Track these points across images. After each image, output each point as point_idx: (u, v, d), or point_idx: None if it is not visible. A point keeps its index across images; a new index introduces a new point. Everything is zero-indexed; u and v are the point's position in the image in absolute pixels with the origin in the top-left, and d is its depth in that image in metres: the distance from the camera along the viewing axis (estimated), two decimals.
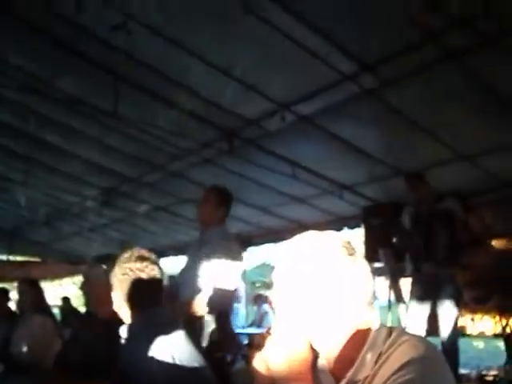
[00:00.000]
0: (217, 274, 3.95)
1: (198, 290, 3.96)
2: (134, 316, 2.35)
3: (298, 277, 1.46)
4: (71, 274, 16.31)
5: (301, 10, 3.95)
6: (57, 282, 18.07)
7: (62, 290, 17.28)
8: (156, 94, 5.42)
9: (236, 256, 4.16)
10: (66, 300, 12.53)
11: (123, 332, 2.39)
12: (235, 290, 4.22)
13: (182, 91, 5.23)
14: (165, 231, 10.39)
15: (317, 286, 1.44)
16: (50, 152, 7.57)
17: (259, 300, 11.19)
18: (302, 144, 5.89)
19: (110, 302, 2.51)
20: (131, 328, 2.34)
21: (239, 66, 4.74)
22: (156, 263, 2.47)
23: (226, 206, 4.36)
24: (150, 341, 2.20)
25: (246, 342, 7.61)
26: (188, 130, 5.89)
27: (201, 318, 3.98)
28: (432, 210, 5.58)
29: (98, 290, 3.02)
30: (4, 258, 13.30)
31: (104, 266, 2.85)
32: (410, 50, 4.11)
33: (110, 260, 2.75)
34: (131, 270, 2.36)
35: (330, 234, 1.56)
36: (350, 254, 1.47)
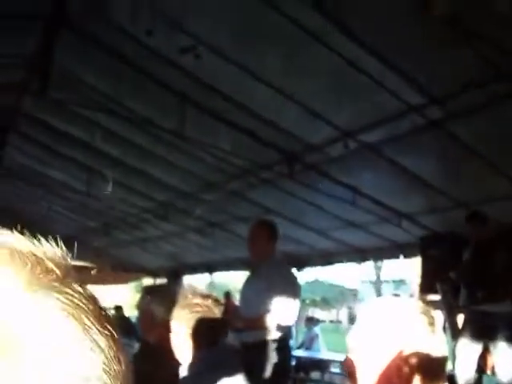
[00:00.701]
0: (277, 306, 4.03)
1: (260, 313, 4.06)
2: (195, 354, 2.36)
3: (377, 344, 1.46)
4: (124, 281, 16.65)
5: (370, 41, 3.94)
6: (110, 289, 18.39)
7: (115, 298, 17.58)
8: (221, 116, 5.50)
9: (294, 287, 4.25)
10: (118, 309, 12.75)
11: (183, 367, 2.40)
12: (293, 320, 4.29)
13: (246, 114, 5.30)
14: (218, 247, 10.48)
15: (392, 352, 1.43)
16: (113, 165, 7.76)
17: (310, 322, 11.13)
18: (364, 171, 5.88)
19: (163, 329, 2.54)
20: (193, 366, 2.35)
21: (305, 91, 4.78)
22: (218, 301, 2.49)
23: (276, 239, 4.48)
24: (213, 379, 2.21)
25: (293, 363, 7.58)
26: (250, 152, 5.95)
27: (262, 344, 4.05)
28: (493, 244, 5.45)
29: (153, 317, 3.03)
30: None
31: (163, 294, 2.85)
32: (479, 85, 4.05)
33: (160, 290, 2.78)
34: (201, 307, 2.38)
35: (410, 301, 1.55)
36: (430, 324, 1.46)
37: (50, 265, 0.44)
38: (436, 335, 1.47)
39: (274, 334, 4.08)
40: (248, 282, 4.49)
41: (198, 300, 2.41)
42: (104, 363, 0.42)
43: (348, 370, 1.53)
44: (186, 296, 2.45)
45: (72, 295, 0.43)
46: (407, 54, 4.00)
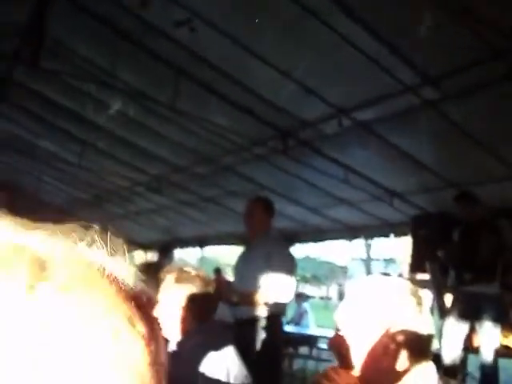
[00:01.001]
0: (273, 282, 4.06)
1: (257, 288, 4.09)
2: (187, 329, 2.38)
3: (365, 321, 1.47)
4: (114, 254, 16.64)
5: (367, 19, 3.92)
6: None
7: None
8: (215, 90, 5.48)
9: (291, 263, 4.28)
10: None
11: (174, 343, 2.42)
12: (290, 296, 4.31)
13: (240, 89, 5.27)
14: (210, 221, 10.50)
15: (380, 329, 1.45)
16: (105, 137, 7.74)
17: (299, 298, 11.19)
18: (357, 149, 5.87)
19: None
20: (188, 340, 2.36)
21: (300, 68, 4.75)
22: (206, 277, 2.50)
23: (272, 216, 4.55)
24: (204, 355, 2.23)
25: None
26: (244, 127, 5.94)
27: (256, 320, 4.08)
28: (481, 226, 5.48)
29: None
30: None
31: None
32: (474, 66, 4.04)
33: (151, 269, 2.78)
34: (190, 282, 2.39)
35: (399, 280, 1.56)
36: (418, 304, 1.48)
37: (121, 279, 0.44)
38: (423, 314, 1.48)
39: (269, 311, 4.11)
40: (243, 257, 4.52)
41: (187, 275, 2.42)
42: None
43: (334, 346, 1.54)
44: (176, 271, 2.46)
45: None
46: (404, 34, 3.97)
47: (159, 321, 0.45)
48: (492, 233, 5.45)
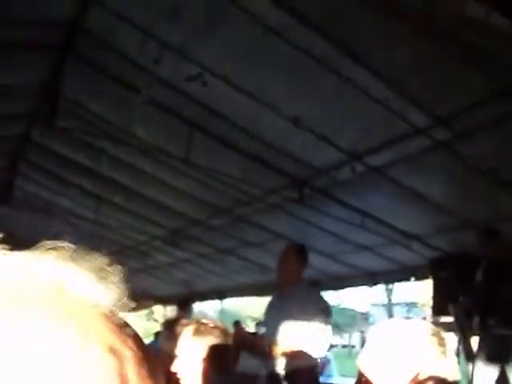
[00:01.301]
0: (306, 334, 3.95)
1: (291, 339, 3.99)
2: (208, 381, 2.35)
3: (391, 366, 1.45)
4: (134, 309, 16.57)
5: (375, 63, 3.97)
6: None
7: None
8: (228, 142, 5.54)
9: (326, 313, 4.16)
10: None
11: None
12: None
13: (253, 139, 5.33)
14: (228, 273, 10.45)
15: (406, 375, 1.42)
16: (121, 192, 7.82)
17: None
18: (372, 194, 5.86)
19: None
20: None
21: (311, 116, 4.80)
22: (225, 329, 2.48)
23: (305, 264, 4.43)
24: None
25: None
26: (257, 177, 5.97)
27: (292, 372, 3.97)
28: (505, 267, 5.38)
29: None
30: None
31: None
32: (483, 105, 4.05)
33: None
34: (216, 338, 2.37)
35: (421, 322, 1.54)
36: (441, 345, 1.45)
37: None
38: (447, 357, 1.45)
39: (304, 363, 4.00)
40: (275, 306, 4.39)
41: (205, 327, 2.40)
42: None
43: None
44: (194, 324, 2.44)
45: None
46: (412, 75, 4.01)
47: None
48: None
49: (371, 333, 1.56)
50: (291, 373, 3.98)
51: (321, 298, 4.36)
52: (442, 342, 1.46)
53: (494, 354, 5.26)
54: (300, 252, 4.45)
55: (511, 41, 2.44)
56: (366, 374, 1.49)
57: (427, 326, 1.52)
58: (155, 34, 4.30)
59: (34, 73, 5.25)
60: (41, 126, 5.99)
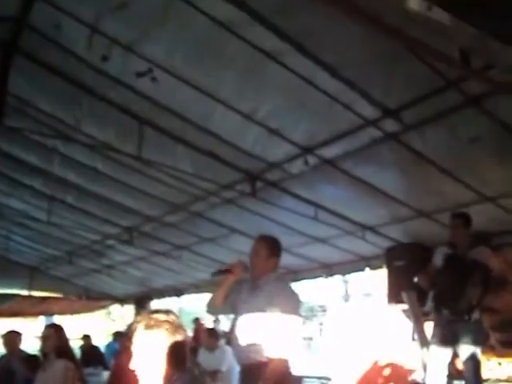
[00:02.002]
0: (277, 326, 3.94)
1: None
2: (167, 377, 2.34)
3: (350, 355, 1.47)
4: (91, 310, 16.38)
5: (324, 58, 4.00)
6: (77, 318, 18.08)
7: (83, 327, 17.28)
8: (180, 138, 5.52)
9: (294, 305, 4.15)
10: (86, 338, 12.51)
11: None
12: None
13: (205, 135, 5.31)
14: (185, 269, 10.41)
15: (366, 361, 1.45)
16: (73, 192, 7.71)
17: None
18: (325, 186, 5.92)
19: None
20: None
21: (262, 110, 4.81)
22: (179, 323, 2.47)
23: (277, 256, 4.35)
24: None
25: None
26: (210, 173, 5.96)
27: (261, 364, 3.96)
28: (466, 255, 5.49)
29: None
30: (25, 293, 13.38)
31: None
32: (431, 96, 4.14)
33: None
34: (167, 330, 2.36)
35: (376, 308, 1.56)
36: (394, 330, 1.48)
37: None
38: (404, 344, 1.48)
39: (275, 354, 3.98)
40: (248, 297, 4.32)
41: (156, 321, 2.38)
42: None
43: None
44: (145, 318, 2.42)
45: None
46: (360, 69, 4.06)
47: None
48: (480, 270, 5.44)
49: (328, 321, 1.58)
50: (263, 365, 3.96)
51: (291, 291, 4.32)
52: (397, 327, 1.48)
53: (447, 336, 5.38)
54: (269, 243, 4.35)
55: (451, 35, 2.49)
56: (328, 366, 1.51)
57: (382, 311, 1.54)
58: (103, 30, 4.24)
59: None
60: None
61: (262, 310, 3.98)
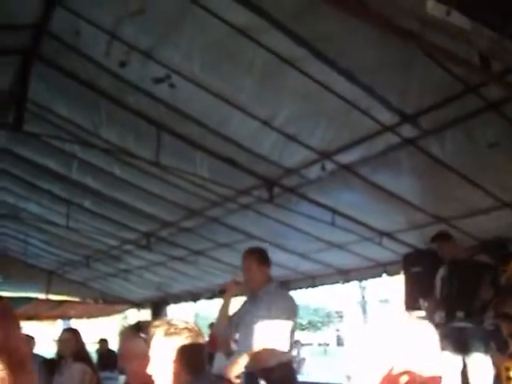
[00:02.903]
0: (273, 333, 4.03)
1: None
2: (183, 382, 2.35)
3: (371, 363, 1.47)
4: (108, 314, 16.47)
5: (342, 63, 4.00)
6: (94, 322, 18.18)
7: (100, 330, 17.38)
8: (197, 144, 5.54)
9: (290, 313, 4.24)
10: (103, 342, 12.58)
11: None
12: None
13: (222, 141, 5.33)
14: (202, 275, 10.42)
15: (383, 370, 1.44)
16: (91, 197, 7.77)
17: (295, 345, 11.06)
18: (342, 192, 5.91)
19: (144, 372, 2.52)
20: None
21: (280, 116, 4.82)
22: (197, 330, 2.48)
23: (267, 264, 4.44)
24: None
25: None
26: (228, 178, 5.97)
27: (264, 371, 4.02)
28: (468, 261, 5.50)
29: (133, 362, 2.99)
30: (43, 296, 13.48)
31: (142, 335, 2.80)
32: (449, 102, 4.12)
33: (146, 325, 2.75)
34: (187, 338, 2.37)
35: (394, 319, 1.56)
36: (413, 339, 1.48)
37: None
38: (426, 351, 1.47)
39: (276, 362, 4.06)
40: (246, 308, 4.45)
41: (176, 328, 2.39)
42: None
43: None
44: (164, 324, 2.43)
45: None
46: (378, 75, 4.05)
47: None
48: (477, 270, 5.44)
49: (350, 335, 1.58)
50: (264, 371, 4.04)
51: (288, 297, 4.44)
52: (415, 338, 1.48)
53: (456, 346, 5.35)
54: (259, 256, 4.46)
55: (471, 40, 2.48)
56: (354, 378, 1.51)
57: (401, 321, 1.54)
58: (121, 36, 4.27)
59: (1, 78, 5.17)
60: (7, 132, 5.91)
61: (263, 318, 4.08)
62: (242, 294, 4.70)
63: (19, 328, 0.53)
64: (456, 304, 5.43)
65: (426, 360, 1.48)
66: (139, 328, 2.92)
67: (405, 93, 4.24)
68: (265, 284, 4.35)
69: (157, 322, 2.52)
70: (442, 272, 5.64)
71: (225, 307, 4.46)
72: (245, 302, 4.55)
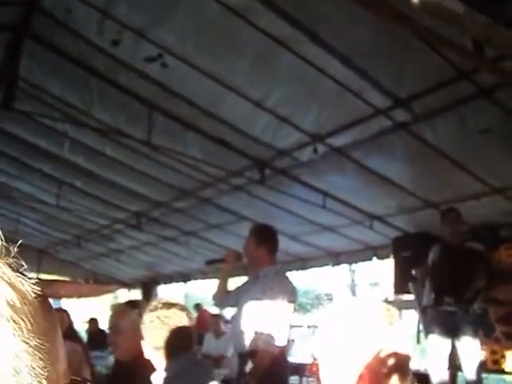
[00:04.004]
0: (270, 316, 3.99)
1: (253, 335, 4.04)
2: (165, 364, 2.36)
3: (340, 342, 1.47)
4: (98, 294, 16.49)
5: (336, 46, 3.98)
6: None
7: (90, 310, 17.40)
8: (189, 124, 5.52)
9: (289, 297, 4.19)
10: (93, 321, 12.60)
11: (156, 379, 2.40)
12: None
13: (215, 121, 5.31)
14: (193, 255, 10.44)
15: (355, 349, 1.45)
16: (83, 176, 7.74)
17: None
18: (334, 175, 5.91)
19: (136, 347, 2.54)
20: (163, 376, 2.35)
21: (273, 98, 4.81)
22: (184, 309, 2.48)
23: (266, 244, 4.27)
24: None
25: None
26: (220, 159, 5.96)
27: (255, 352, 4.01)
28: (462, 247, 5.48)
29: (125, 336, 3.03)
30: (33, 276, 13.46)
31: (135, 311, 2.84)
32: (442, 87, 4.12)
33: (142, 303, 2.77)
34: (159, 318, 2.37)
35: (372, 301, 1.57)
36: (391, 322, 1.48)
37: None
38: (398, 333, 1.48)
39: (272, 344, 4.04)
40: (246, 288, 4.37)
41: (158, 312, 2.40)
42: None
43: (315, 374, 1.54)
44: (154, 307, 2.44)
45: None
46: (372, 58, 4.04)
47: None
48: (471, 256, 5.44)
49: (322, 317, 1.58)
50: (257, 353, 4.03)
51: (286, 281, 4.34)
52: (391, 320, 1.49)
53: (446, 328, 5.38)
54: (260, 233, 4.30)
55: (465, 25, 2.48)
56: (318, 357, 1.52)
57: (378, 304, 1.55)
58: (114, 14, 4.24)
59: None
60: None
61: (260, 299, 4.02)
62: (243, 273, 4.64)
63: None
64: (446, 289, 5.43)
65: (402, 341, 1.49)
66: (131, 304, 2.94)
67: (398, 77, 4.24)
68: (264, 265, 4.24)
69: (147, 303, 2.53)
70: (432, 254, 5.59)
71: (223, 277, 4.37)
72: (247, 281, 4.48)
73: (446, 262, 5.45)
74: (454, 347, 5.36)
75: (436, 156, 5.09)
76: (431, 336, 5.49)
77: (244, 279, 4.54)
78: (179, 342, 2.38)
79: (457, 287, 5.36)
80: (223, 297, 4.41)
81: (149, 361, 2.44)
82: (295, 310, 4.24)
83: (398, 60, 4.01)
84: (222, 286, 4.37)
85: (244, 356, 4.05)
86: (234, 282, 4.52)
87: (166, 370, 2.36)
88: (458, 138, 4.84)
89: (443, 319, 5.40)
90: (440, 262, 5.49)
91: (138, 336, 2.47)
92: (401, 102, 4.44)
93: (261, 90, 4.77)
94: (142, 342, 2.42)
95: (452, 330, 5.34)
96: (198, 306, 12.64)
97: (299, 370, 9.46)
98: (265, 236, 4.27)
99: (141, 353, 2.47)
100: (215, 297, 4.47)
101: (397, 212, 6.68)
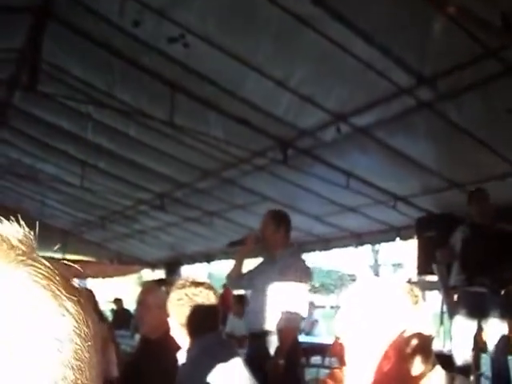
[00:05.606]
0: (287, 297, 4.08)
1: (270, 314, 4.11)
2: (190, 342, 2.38)
3: (364, 322, 1.47)
4: (123, 274, 16.68)
5: (359, 24, 3.93)
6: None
7: (115, 290, 17.63)
8: (212, 104, 5.50)
9: (305, 277, 4.28)
10: (118, 301, 12.77)
11: (181, 356, 2.42)
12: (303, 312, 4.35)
13: (237, 101, 5.29)
14: (216, 236, 10.48)
15: (379, 331, 1.44)
16: (106, 157, 7.79)
17: (309, 308, 11.11)
18: (357, 155, 5.86)
19: (163, 325, 2.57)
20: (188, 354, 2.37)
21: (295, 77, 4.77)
22: (211, 288, 2.50)
23: (285, 228, 4.50)
24: (207, 367, 2.22)
25: None
26: (242, 139, 5.95)
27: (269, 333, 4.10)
28: (492, 227, 5.40)
29: (152, 313, 3.08)
30: (59, 256, 13.64)
31: (163, 289, 2.89)
32: (468, 65, 4.04)
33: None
34: (186, 296, 2.39)
35: (396, 282, 1.55)
36: (415, 303, 1.47)
37: (15, 242, 0.48)
38: (421, 313, 1.47)
39: (284, 323, 4.12)
40: (261, 271, 4.50)
41: (186, 290, 2.42)
42: (74, 326, 0.47)
43: (338, 354, 1.53)
44: (181, 285, 2.45)
45: (38, 267, 0.47)
46: (395, 36, 3.98)
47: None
48: (500, 236, 5.35)
49: (345, 297, 1.58)
50: (268, 333, 4.12)
51: (302, 263, 4.49)
52: (415, 300, 1.48)
53: (472, 309, 5.34)
54: (278, 218, 4.53)
55: (496, 2, 2.42)
56: (341, 337, 1.51)
57: (401, 285, 1.53)
58: None
59: (13, 38, 5.15)
60: (22, 92, 5.91)
61: (275, 281, 4.13)
62: (259, 255, 4.75)
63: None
64: (479, 270, 5.35)
65: (425, 322, 1.48)
66: (160, 282, 2.98)
67: (422, 55, 4.17)
68: (281, 248, 4.39)
69: (173, 282, 2.56)
70: (460, 234, 5.50)
71: (240, 259, 4.53)
72: (261, 263, 4.59)
73: (477, 242, 5.37)
74: (479, 328, 5.33)
75: (461, 135, 5.01)
76: (456, 317, 5.46)
77: (258, 261, 4.65)
78: (206, 321, 2.40)
79: (491, 267, 5.30)
80: (237, 278, 4.54)
81: (175, 338, 2.47)
82: (315, 290, 4.38)
83: (422, 38, 3.94)
84: (237, 268, 4.52)
85: (258, 337, 4.14)
86: (249, 264, 4.62)
87: (192, 347, 2.38)
88: (484, 117, 4.76)
89: (471, 300, 5.35)
90: (471, 242, 5.42)
91: (164, 313, 2.50)
92: (425, 80, 4.37)
93: (283, 69, 4.73)
94: (169, 320, 2.45)
95: (479, 311, 5.30)
96: (225, 286, 12.70)
97: (322, 350, 9.50)
98: (282, 220, 4.52)
99: (167, 330, 2.50)
100: (229, 277, 4.62)
101: (421, 192, 6.61)
